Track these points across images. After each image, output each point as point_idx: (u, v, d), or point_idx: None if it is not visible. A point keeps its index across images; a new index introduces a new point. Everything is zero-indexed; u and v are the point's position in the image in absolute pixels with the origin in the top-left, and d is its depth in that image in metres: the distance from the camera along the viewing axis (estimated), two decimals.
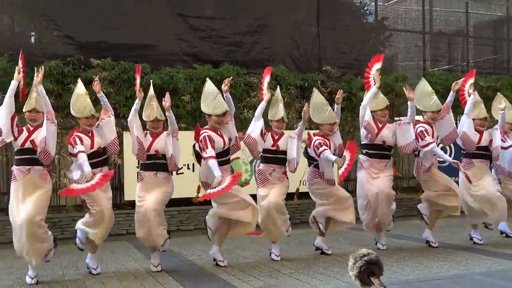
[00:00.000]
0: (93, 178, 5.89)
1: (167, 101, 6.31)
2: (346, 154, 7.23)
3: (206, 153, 6.35)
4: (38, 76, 5.82)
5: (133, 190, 9.28)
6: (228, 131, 6.71)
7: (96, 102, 6.88)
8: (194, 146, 6.76)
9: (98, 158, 6.25)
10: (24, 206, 5.76)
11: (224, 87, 6.63)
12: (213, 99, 6.59)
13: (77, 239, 6.47)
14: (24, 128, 5.97)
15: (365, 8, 13.57)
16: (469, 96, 7.81)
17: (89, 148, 6.14)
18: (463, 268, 6.39)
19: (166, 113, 6.35)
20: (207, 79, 6.99)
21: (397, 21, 14.10)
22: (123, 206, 9.39)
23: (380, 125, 7.39)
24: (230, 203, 6.49)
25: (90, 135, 6.24)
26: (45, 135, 5.79)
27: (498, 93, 8.70)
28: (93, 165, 6.06)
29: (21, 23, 10.45)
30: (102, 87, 6.54)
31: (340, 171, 7.29)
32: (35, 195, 5.84)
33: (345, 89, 10.92)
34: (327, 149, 6.85)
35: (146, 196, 6.38)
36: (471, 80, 8.03)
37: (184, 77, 9.93)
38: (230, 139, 6.72)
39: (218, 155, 6.50)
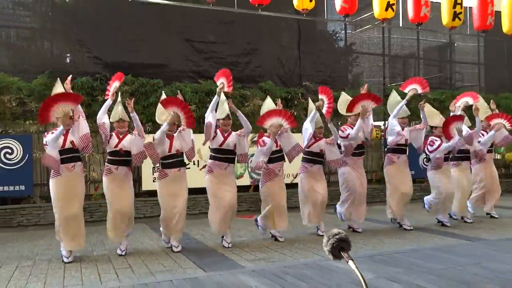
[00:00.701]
0: None
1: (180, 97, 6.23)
2: (323, 96, 6.93)
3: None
4: (67, 84, 5.69)
5: (149, 182, 9.33)
6: (238, 141, 6.44)
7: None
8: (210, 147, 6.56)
9: (119, 157, 5.97)
10: (73, 199, 5.64)
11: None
12: (221, 105, 6.43)
13: (118, 250, 6.06)
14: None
15: (337, 35, 13.57)
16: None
17: (113, 146, 5.94)
18: (415, 244, 6.39)
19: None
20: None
21: (363, 46, 14.11)
22: (141, 194, 9.35)
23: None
24: None
25: (121, 136, 6.00)
26: (87, 131, 5.73)
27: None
28: (113, 162, 5.94)
29: (58, 47, 10.37)
30: (123, 98, 6.34)
31: (324, 111, 6.90)
32: (79, 191, 5.76)
33: None
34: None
35: (175, 192, 6.09)
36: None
37: (190, 90, 9.90)
38: (235, 145, 6.42)
39: (218, 151, 6.36)
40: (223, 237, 6.50)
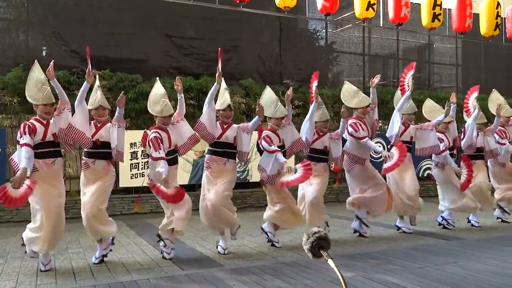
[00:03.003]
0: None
1: (178, 84, 5.64)
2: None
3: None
4: (49, 71, 4.99)
5: (126, 178, 9.20)
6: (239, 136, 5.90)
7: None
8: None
9: (96, 149, 5.33)
10: (53, 195, 4.99)
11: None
12: (221, 96, 5.90)
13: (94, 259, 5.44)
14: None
15: (317, 34, 13.65)
16: (474, 108, 7.67)
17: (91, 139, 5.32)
18: (393, 243, 6.45)
19: (178, 96, 5.64)
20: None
21: (343, 45, 14.22)
22: (118, 191, 9.21)
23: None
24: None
25: (99, 125, 5.38)
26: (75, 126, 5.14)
27: (494, 89, 8.33)
28: (90, 155, 5.34)
29: (34, 39, 10.18)
30: (105, 94, 5.84)
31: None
32: (59, 186, 5.10)
33: (301, 98, 10.93)
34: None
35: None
36: (475, 94, 7.76)
37: (170, 86, 9.73)
38: (234, 138, 5.85)
39: (216, 145, 5.79)
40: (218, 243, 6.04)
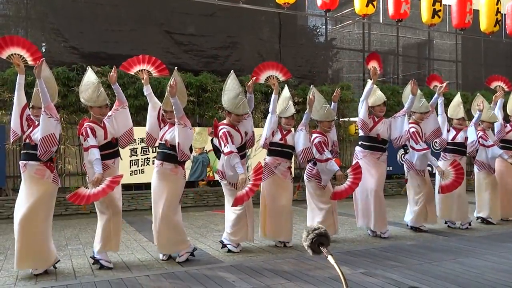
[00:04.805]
0: (102, 181, 4.68)
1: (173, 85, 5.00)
2: (350, 174, 6.07)
3: (227, 148, 5.36)
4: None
5: (126, 175, 9.15)
6: (244, 126, 5.69)
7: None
8: (212, 140, 5.85)
9: (112, 149, 5.06)
10: (24, 203, 4.69)
11: (249, 89, 5.79)
12: (235, 97, 5.54)
13: (102, 262, 4.99)
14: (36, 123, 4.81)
15: (317, 30, 13.62)
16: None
17: (102, 139, 4.96)
18: (392, 239, 6.45)
19: (171, 99, 5.02)
20: (232, 72, 5.80)
21: (343, 41, 14.21)
22: None
23: (376, 120, 6.53)
24: None
25: (102, 125, 5.04)
26: (42, 133, 4.57)
27: (478, 94, 7.85)
28: (106, 157, 4.94)
29: (33, 36, 10.14)
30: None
31: (336, 188, 6.07)
32: (36, 194, 4.67)
33: (301, 94, 10.92)
34: (332, 160, 5.95)
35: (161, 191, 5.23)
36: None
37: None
38: (246, 133, 5.70)
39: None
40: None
